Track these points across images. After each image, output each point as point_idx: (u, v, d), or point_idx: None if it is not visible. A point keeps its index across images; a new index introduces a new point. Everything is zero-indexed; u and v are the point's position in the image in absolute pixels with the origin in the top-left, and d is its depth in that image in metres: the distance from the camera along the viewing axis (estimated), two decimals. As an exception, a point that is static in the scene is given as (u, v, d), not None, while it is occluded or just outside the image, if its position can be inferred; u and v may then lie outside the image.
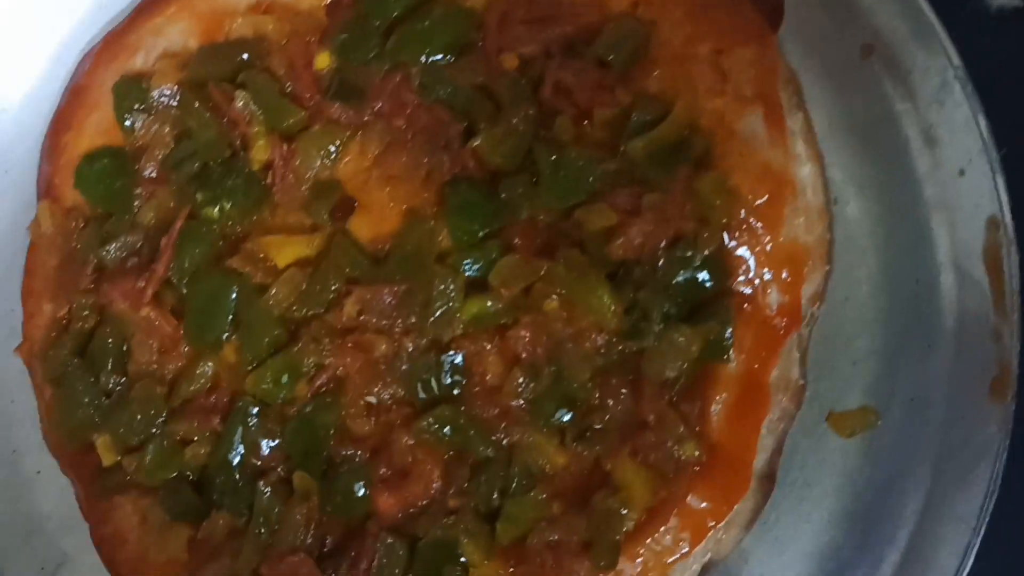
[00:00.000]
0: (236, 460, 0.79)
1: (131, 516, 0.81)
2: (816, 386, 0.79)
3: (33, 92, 0.88)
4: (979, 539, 0.70)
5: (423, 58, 0.79)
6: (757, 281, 0.76)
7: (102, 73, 0.84)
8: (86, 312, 0.82)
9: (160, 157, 0.83)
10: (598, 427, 0.75)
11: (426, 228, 0.77)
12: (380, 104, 0.80)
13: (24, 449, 0.86)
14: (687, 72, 0.77)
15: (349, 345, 0.77)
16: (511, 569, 0.74)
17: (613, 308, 0.74)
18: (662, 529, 0.74)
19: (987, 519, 0.70)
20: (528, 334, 0.75)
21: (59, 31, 0.88)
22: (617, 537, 0.73)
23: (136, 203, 0.83)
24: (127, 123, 0.83)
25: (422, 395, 0.76)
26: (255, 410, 0.78)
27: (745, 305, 0.76)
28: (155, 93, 0.83)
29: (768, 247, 0.75)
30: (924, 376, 0.76)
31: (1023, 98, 0.83)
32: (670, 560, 0.74)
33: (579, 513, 0.74)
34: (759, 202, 0.75)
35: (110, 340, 0.81)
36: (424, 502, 0.76)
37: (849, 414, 0.78)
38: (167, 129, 0.82)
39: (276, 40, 0.82)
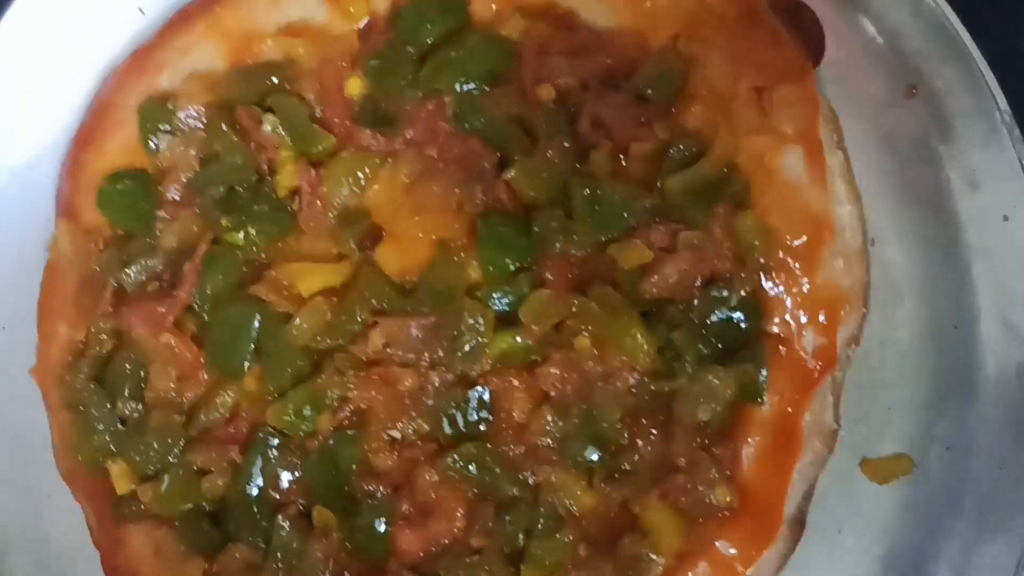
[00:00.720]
0: (255, 492, 0.77)
1: (144, 546, 0.79)
2: (850, 431, 0.77)
3: (57, 107, 0.86)
4: (1018, 599, 0.69)
5: (458, 87, 0.78)
6: (793, 323, 0.74)
7: (127, 91, 0.83)
8: (104, 336, 0.80)
9: (184, 180, 0.81)
10: (627, 468, 0.74)
11: (456, 260, 0.76)
12: (412, 132, 0.79)
13: (36, 473, 0.84)
14: (727, 109, 0.75)
15: (374, 378, 0.76)
16: (534, 612, 0.73)
17: (646, 347, 0.73)
18: (690, 575, 0.73)
19: (1025, 574, 0.69)
20: (558, 371, 0.74)
21: (87, 45, 0.86)
22: (645, 583, 0.72)
23: (158, 226, 0.81)
24: (152, 144, 0.82)
25: (447, 431, 0.75)
26: (276, 442, 0.77)
27: (780, 347, 0.74)
28: (181, 114, 0.81)
29: (805, 289, 0.74)
30: (962, 424, 0.75)
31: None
32: (697, 606, 0.73)
33: (606, 557, 0.73)
34: (797, 243, 0.74)
35: (128, 366, 0.79)
36: (447, 541, 0.75)
37: (884, 461, 0.77)
38: (192, 151, 0.81)
39: (307, 64, 0.81)
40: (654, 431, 0.74)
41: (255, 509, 0.77)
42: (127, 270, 0.80)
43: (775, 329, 0.74)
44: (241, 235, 0.79)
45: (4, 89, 0.85)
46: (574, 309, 0.74)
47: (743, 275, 0.73)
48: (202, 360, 0.79)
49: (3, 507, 0.85)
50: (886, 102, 0.78)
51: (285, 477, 0.77)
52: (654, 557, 0.72)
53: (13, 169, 0.86)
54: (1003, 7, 0.86)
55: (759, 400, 0.74)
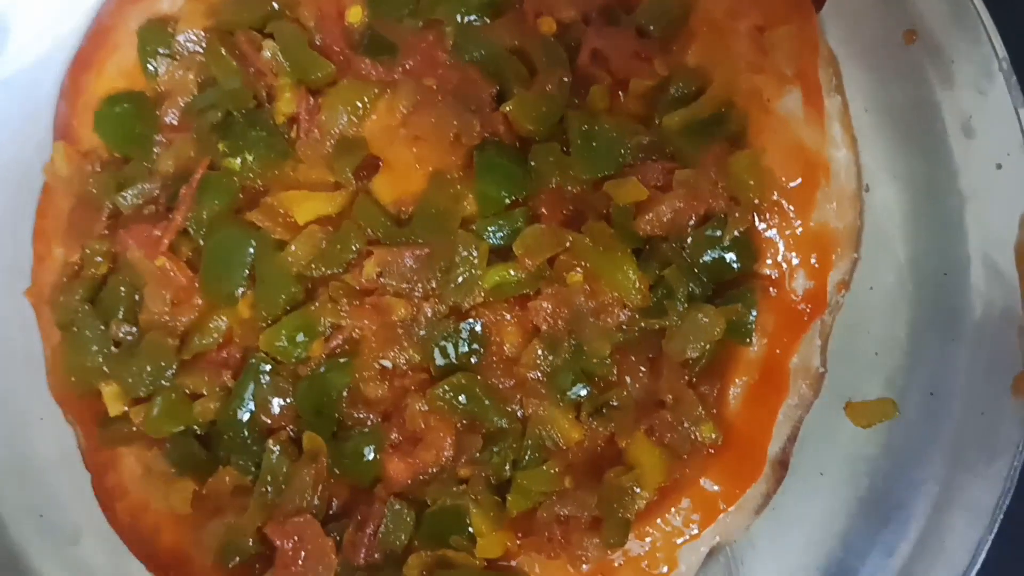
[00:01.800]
0: (246, 417, 0.78)
1: (134, 467, 0.80)
2: (836, 374, 0.78)
3: (57, 28, 0.86)
4: (992, 535, 0.70)
5: (458, 17, 0.78)
6: (784, 265, 0.75)
7: (127, 13, 0.83)
8: (99, 258, 0.81)
9: (182, 104, 0.81)
10: (615, 404, 0.75)
11: (451, 192, 0.76)
12: (411, 62, 0.78)
13: (27, 394, 0.85)
14: (727, 47, 0.76)
15: (367, 307, 0.76)
16: (518, 541, 0.74)
17: (638, 284, 0.73)
18: (673, 510, 0.74)
19: (1001, 516, 0.70)
20: (549, 306, 0.75)
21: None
22: (628, 515, 0.73)
23: (155, 150, 0.81)
24: (150, 67, 0.82)
25: (439, 362, 0.76)
26: (268, 367, 0.78)
27: (771, 289, 0.75)
28: (180, 38, 0.81)
29: (798, 231, 0.75)
30: (945, 369, 0.76)
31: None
32: (679, 541, 0.74)
33: (591, 489, 0.74)
34: (792, 184, 0.74)
35: (122, 288, 0.80)
36: (434, 469, 0.75)
37: (868, 404, 0.78)
38: (191, 76, 0.81)
39: None
40: (643, 368, 0.75)
41: (246, 433, 0.78)
42: (123, 193, 0.80)
43: (766, 271, 0.75)
44: (238, 161, 0.79)
45: (3, 7, 0.84)
46: (568, 244, 0.74)
47: (737, 215, 0.73)
48: (196, 285, 0.79)
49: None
50: (886, 47, 0.78)
51: (276, 403, 0.78)
52: (638, 491, 0.73)
53: (11, 90, 0.86)
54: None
55: (748, 340, 0.75)
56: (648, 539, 0.74)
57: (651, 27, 0.76)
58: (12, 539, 0.84)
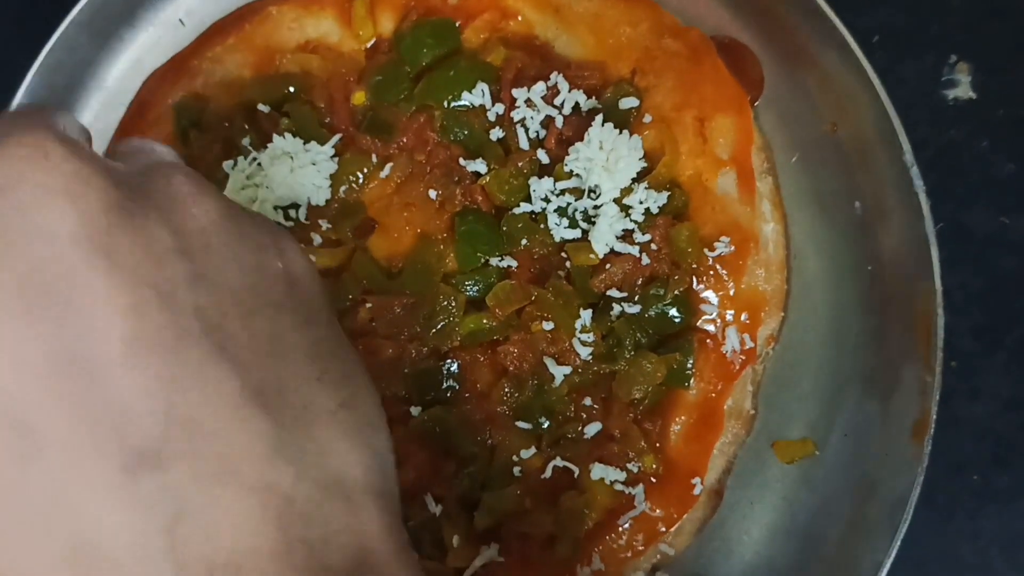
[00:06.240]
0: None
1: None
2: (765, 416, 0.89)
3: (101, 107, 0.97)
4: (891, 560, 0.80)
5: (446, 103, 0.89)
6: (719, 321, 0.87)
7: (166, 92, 0.94)
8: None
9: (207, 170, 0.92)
10: (571, 436, 0.85)
11: (436, 251, 0.87)
12: (405, 139, 0.89)
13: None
14: (673, 133, 0.87)
15: (360, 347, 0.86)
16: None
17: (591, 334, 0.85)
18: (619, 530, 0.85)
19: (899, 542, 0.80)
20: (516, 350, 0.85)
21: (131, 52, 0.98)
22: (578, 534, 0.83)
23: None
24: (183, 137, 0.93)
25: (420, 395, 0.86)
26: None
27: (708, 341, 0.86)
28: (211, 113, 0.92)
29: (731, 292, 0.86)
30: (857, 416, 0.87)
31: (961, 180, 0.94)
32: (622, 556, 0.84)
33: (548, 509, 0.83)
34: (726, 253, 0.86)
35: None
36: (411, 487, 0.85)
37: (792, 443, 0.89)
38: (218, 145, 0.93)
39: (320, 77, 0.92)
40: (596, 406, 0.86)
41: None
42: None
43: (704, 325, 0.87)
44: (254, 218, 0.90)
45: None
46: (533, 298, 0.86)
47: (677, 277, 0.85)
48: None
49: None
50: (813, 135, 0.90)
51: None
52: (588, 512, 0.84)
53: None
54: (924, 59, 0.99)
55: (687, 385, 0.86)
56: (595, 555, 0.85)
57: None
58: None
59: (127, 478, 0.42)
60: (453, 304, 0.85)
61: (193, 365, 0.45)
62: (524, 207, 0.87)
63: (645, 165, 0.86)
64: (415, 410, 0.85)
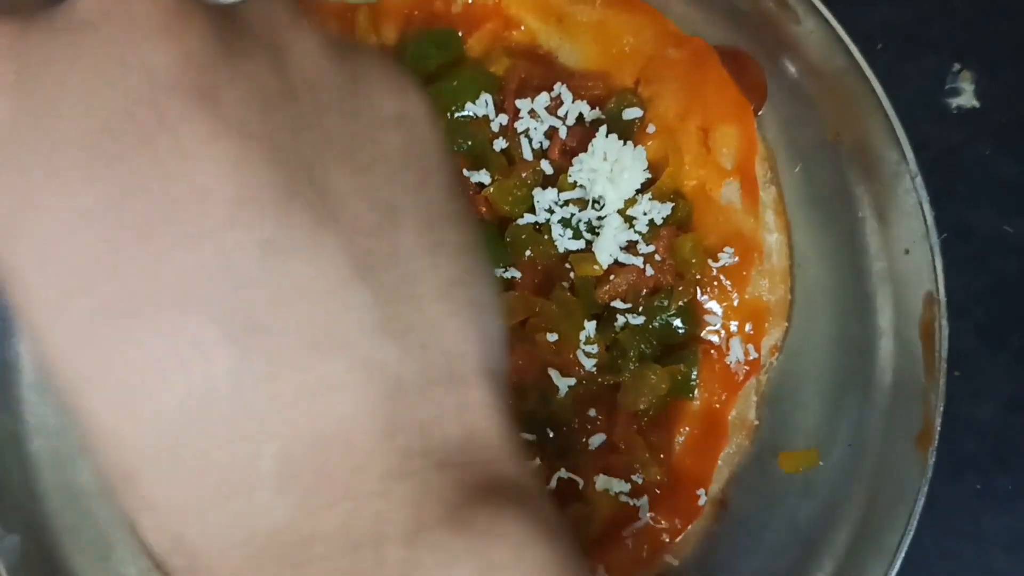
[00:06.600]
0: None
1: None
2: (768, 426, 0.89)
3: None
4: (895, 571, 0.81)
5: (449, 114, 0.89)
6: (723, 332, 0.87)
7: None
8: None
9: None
10: (575, 447, 0.85)
11: (441, 262, 0.87)
12: (411, 151, 0.90)
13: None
14: (676, 144, 0.87)
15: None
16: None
17: (596, 345, 0.85)
18: (624, 541, 0.85)
19: (904, 552, 0.81)
20: (520, 361, 0.85)
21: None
22: (584, 543, 0.84)
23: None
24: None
25: (426, 406, 0.87)
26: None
27: (712, 351, 0.87)
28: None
29: (735, 303, 0.87)
30: (861, 426, 0.87)
31: (964, 188, 0.95)
32: (627, 567, 0.85)
33: (554, 519, 0.84)
34: (730, 263, 0.86)
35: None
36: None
37: (797, 454, 0.89)
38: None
39: None
40: (600, 417, 0.86)
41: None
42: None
43: (708, 336, 0.87)
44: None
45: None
46: (537, 309, 0.86)
47: (681, 288, 0.85)
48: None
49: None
50: (816, 144, 0.90)
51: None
52: (592, 523, 0.84)
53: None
54: (925, 63, 0.99)
55: (691, 396, 0.86)
56: (601, 565, 0.85)
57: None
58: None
59: (234, 348, 0.40)
60: (458, 315, 0.85)
61: (303, 229, 0.43)
62: (528, 218, 0.87)
63: (649, 176, 0.86)
64: (419, 421, 0.84)
